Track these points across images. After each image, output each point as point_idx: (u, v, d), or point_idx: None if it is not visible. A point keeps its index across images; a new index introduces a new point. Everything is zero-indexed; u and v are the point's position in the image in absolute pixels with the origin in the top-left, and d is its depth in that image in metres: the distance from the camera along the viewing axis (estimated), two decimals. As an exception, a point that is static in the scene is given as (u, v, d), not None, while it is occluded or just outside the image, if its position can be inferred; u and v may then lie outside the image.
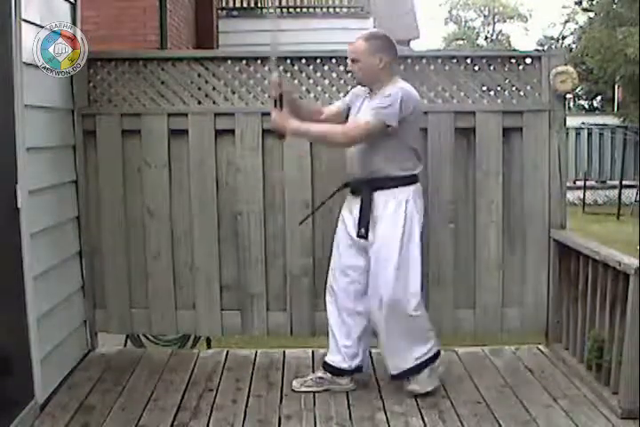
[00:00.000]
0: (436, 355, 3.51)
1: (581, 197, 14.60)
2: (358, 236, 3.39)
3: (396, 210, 3.36)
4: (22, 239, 3.20)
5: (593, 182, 16.00)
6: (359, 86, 3.56)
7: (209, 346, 5.23)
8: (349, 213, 3.50)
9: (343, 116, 3.53)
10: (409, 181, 3.42)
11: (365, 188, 3.41)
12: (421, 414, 3.28)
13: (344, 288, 3.54)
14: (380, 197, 3.38)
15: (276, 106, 3.37)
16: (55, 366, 3.53)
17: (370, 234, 3.39)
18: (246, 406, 3.40)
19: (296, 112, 3.45)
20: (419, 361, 3.44)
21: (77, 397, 3.47)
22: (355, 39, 3.42)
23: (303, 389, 3.56)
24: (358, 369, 3.58)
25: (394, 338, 3.44)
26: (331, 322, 3.61)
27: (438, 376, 3.52)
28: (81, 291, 4.03)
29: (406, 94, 3.32)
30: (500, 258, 4.04)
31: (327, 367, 3.59)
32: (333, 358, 3.58)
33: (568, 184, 4.22)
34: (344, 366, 3.55)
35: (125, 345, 4.78)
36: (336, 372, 3.56)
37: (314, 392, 3.52)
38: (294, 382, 3.61)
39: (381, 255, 3.38)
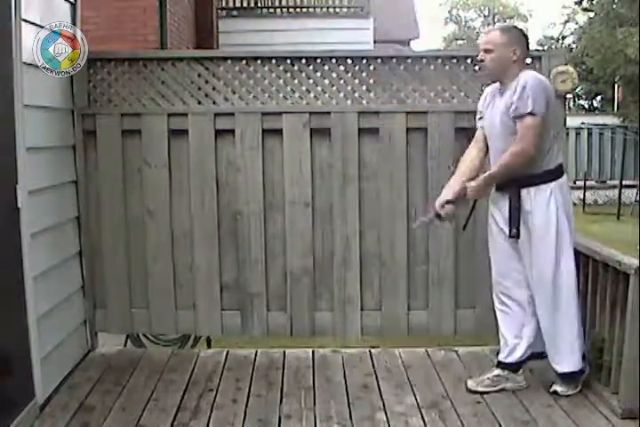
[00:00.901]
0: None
1: (581, 197, 14.59)
2: (510, 236, 3.39)
3: (545, 206, 3.34)
4: (22, 239, 3.20)
5: (593, 182, 15.99)
6: (485, 91, 3.57)
7: (209, 346, 5.23)
8: (498, 211, 3.48)
9: None
10: (556, 174, 3.39)
11: (513, 185, 3.38)
12: (421, 414, 3.28)
13: (512, 278, 3.50)
14: (528, 194, 3.36)
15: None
16: (55, 366, 3.53)
17: (521, 230, 3.38)
18: (246, 405, 3.40)
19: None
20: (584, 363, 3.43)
21: (77, 397, 3.47)
22: (488, 30, 3.44)
23: (480, 389, 3.50)
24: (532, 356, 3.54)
25: (560, 337, 3.42)
26: (501, 318, 3.56)
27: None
28: (81, 291, 4.03)
29: (541, 81, 3.33)
30: (500, 258, 4.04)
31: (505, 365, 3.53)
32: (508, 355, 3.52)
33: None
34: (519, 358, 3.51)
35: (125, 345, 4.78)
36: (513, 367, 3.51)
37: (487, 392, 3.48)
38: (470, 382, 3.55)
39: (539, 253, 3.37)
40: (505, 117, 3.35)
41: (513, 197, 3.37)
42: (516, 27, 3.50)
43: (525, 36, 3.43)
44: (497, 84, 3.48)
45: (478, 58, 3.45)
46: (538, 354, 3.55)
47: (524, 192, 3.36)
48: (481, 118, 3.58)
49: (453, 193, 3.44)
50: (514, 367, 3.52)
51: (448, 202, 3.44)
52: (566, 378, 3.43)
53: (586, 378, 3.50)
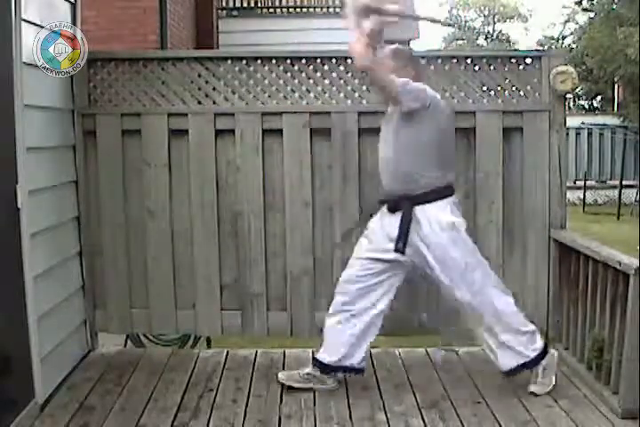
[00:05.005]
0: (544, 352, 3.49)
1: (581, 197, 14.60)
2: (395, 250, 3.37)
3: (435, 220, 3.36)
4: (22, 239, 3.20)
5: (593, 182, 15.98)
6: None
7: (209, 346, 5.23)
8: (380, 229, 3.48)
9: None
10: (446, 192, 3.42)
11: (404, 203, 3.39)
12: (421, 414, 3.28)
13: (359, 292, 3.51)
14: (422, 211, 3.38)
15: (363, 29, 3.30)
16: (55, 366, 3.53)
17: (411, 250, 3.39)
18: (246, 405, 3.40)
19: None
20: (531, 356, 3.44)
21: (77, 397, 3.48)
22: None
23: (289, 383, 3.56)
24: (348, 369, 3.57)
25: (498, 335, 3.43)
26: (327, 323, 3.59)
27: (553, 376, 3.51)
28: (81, 291, 4.03)
29: (429, 90, 3.39)
30: (500, 258, 4.04)
31: (317, 364, 3.57)
32: (324, 355, 3.57)
33: (568, 184, 4.22)
34: (335, 363, 3.54)
35: (125, 345, 4.78)
36: (326, 369, 3.55)
37: (296, 388, 3.54)
38: (280, 374, 3.62)
39: (448, 267, 3.39)
40: (394, 118, 3.39)
41: (405, 215, 3.36)
42: (400, 48, 3.54)
43: (411, 54, 3.54)
44: None
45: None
46: (351, 368, 3.56)
47: (417, 209, 3.37)
48: None
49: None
50: (325, 369, 3.55)
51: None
52: (512, 375, 3.47)
53: (586, 378, 3.51)
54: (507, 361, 3.45)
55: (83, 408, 3.35)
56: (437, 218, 3.37)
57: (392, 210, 3.45)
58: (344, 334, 3.53)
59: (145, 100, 4.03)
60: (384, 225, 3.47)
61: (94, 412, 3.31)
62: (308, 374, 3.58)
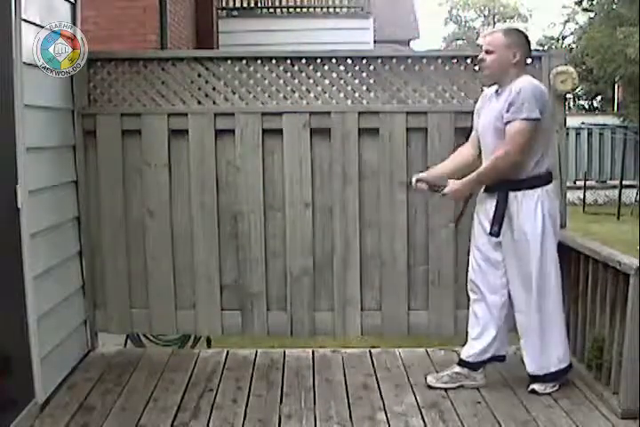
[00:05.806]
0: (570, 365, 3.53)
1: (581, 197, 14.59)
2: (490, 233, 3.41)
3: (532, 212, 3.37)
4: (22, 239, 3.20)
5: (593, 182, 15.97)
6: (483, 93, 3.63)
7: (209, 346, 5.23)
8: (484, 211, 3.49)
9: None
10: (545, 180, 3.42)
11: (502, 188, 3.39)
12: (421, 414, 3.28)
13: (487, 281, 3.53)
14: (515, 198, 3.38)
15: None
16: (55, 366, 3.53)
17: (505, 231, 3.41)
18: (246, 405, 3.40)
19: (451, 176, 3.48)
20: (562, 365, 3.47)
21: (77, 397, 3.48)
22: (491, 31, 3.48)
23: (439, 385, 3.55)
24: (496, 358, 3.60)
25: (540, 337, 3.45)
26: (481, 315, 3.55)
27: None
28: (81, 291, 4.03)
29: (536, 87, 3.35)
30: (500, 258, 4.03)
31: (464, 363, 3.57)
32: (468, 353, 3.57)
33: (568, 184, 4.22)
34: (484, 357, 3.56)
35: (125, 345, 4.78)
36: (472, 366, 3.56)
37: (446, 389, 3.53)
38: (429, 378, 3.60)
39: (523, 258, 3.41)
40: (498, 122, 3.37)
41: (500, 199, 3.39)
42: (518, 30, 3.54)
43: (527, 40, 3.47)
44: (494, 87, 3.50)
45: (479, 57, 3.48)
46: (499, 357, 3.60)
47: (511, 195, 3.39)
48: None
49: (432, 176, 3.50)
50: (473, 366, 3.55)
51: (420, 180, 3.49)
52: (539, 379, 3.47)
53: (586, 378, 3.51)
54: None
55: (83, 408, 3.35)
56: (526, 209, 3.37)
57: (487, 191, 3.46)
58: (475, 326, 3.57)
59: (145, 100, 4.03)
60: (486, 208, 3.48)
61: (94, 412, 3.31)
62: (456, 373, 3.57)
